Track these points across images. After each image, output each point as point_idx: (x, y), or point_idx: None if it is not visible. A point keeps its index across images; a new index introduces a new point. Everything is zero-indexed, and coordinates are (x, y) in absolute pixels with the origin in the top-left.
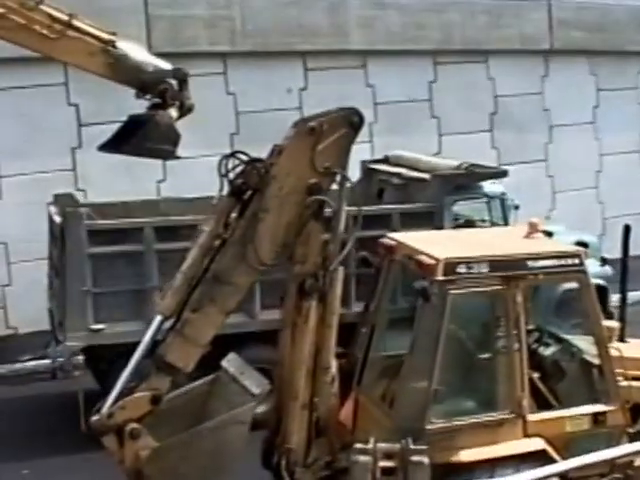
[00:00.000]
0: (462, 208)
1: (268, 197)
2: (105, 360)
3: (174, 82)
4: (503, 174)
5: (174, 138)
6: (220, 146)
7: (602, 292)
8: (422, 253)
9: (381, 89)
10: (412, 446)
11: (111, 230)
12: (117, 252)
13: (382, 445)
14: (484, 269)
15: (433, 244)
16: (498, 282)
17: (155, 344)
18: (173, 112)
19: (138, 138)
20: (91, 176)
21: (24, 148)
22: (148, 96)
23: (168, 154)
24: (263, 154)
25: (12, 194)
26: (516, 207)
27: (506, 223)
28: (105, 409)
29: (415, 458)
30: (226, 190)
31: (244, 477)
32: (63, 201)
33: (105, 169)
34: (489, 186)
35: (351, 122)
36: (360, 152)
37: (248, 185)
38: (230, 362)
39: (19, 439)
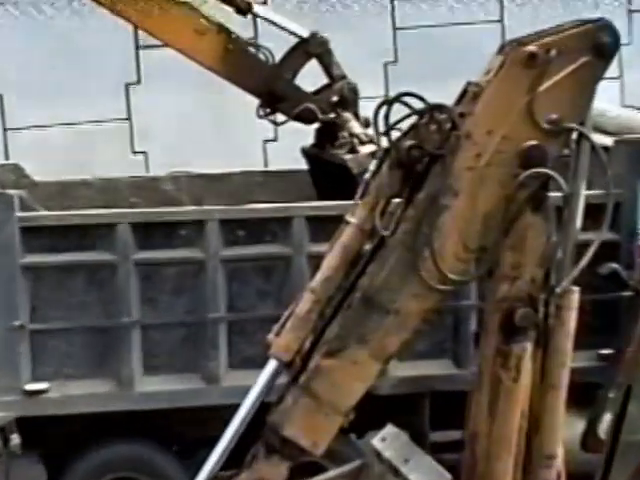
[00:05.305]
0: None
1: (457, 170)
2: (59, 441)
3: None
4: None
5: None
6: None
7: None
8: None
9: None
10: None
11: (64, 227)
12: (72, 263)
13: None
14: None
15: None
16: None
17: (264, 407)
18: (365, 149)
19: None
20: None
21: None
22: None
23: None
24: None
25: None
26: None
27: None
28: None
29: None
30: (386, 159)
31: None
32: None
33: None
34: None
35: (597, 45)
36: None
37: (423, 150)
38: (386, 442)
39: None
